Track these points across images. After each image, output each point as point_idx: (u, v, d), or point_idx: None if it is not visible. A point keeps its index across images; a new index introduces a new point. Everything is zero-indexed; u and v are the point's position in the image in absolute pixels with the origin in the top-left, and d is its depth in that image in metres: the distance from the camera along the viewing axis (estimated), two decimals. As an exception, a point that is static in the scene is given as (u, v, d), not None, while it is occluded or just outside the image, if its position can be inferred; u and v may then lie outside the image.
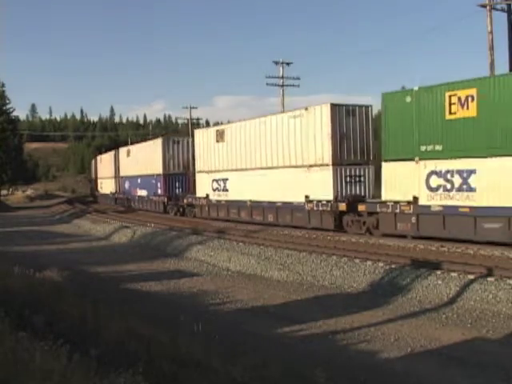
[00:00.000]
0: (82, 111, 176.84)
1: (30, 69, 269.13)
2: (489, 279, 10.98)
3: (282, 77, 37.85)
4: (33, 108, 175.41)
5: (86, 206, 48.17)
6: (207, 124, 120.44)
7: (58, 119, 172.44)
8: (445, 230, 15.94)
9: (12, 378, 4.02)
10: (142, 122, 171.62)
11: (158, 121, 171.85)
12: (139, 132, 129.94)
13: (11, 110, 58.82)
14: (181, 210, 31.85)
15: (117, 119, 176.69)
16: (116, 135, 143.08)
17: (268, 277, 14.60)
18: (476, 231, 15.03)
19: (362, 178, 20.53)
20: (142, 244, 22.52)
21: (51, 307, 7.68)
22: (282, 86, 37.92)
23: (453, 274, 11.59)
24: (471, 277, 11.24)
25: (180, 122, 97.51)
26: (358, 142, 20.52)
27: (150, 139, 44.64)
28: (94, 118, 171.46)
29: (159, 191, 34.50)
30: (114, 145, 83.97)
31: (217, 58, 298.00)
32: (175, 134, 61.48)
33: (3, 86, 57.72)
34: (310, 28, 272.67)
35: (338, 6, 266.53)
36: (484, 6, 23.26)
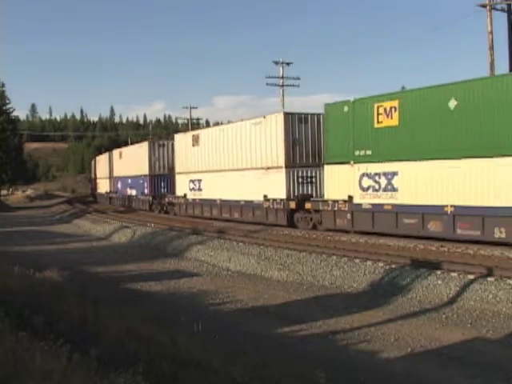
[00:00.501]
0: (82, 111, 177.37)
1: (30, 69, 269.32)
2: (489, 279, 10.98)
3: (282, 77, 37.88)
4: (33, 108, 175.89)
5: (85, 206, 48.17)
6: (207, 124, 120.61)
7: (58, 119, 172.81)
8: (373, 226, 18.22)
9: (12, 378, 4.02)
10: (142, 121, 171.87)
11: (158, 121, 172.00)
12: (139, 132, 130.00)
13: (11, 109, 58.92)
14: (164, 208, 34.12)
15: (117, 119, 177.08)
16: (116, 135, 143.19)
17: (268, 277, 14.60)
18: (397, 226, 17.24)
19: (314, 179, 22.48)
20: (142, 244, 22.52)
21: (51, 307, 7.68)
22: (282, 85, 37.95)
23: (453, 274, 11.59)
24: (471, 277, 11.24)
25: (180, 121, 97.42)
26: (310, 147, 22.65)
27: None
28: (93, 118, 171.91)
29: (146, 191, 37.08)
30: (114, 145, 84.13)
31: (217, 57, 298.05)
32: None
33: (3, 86, 57.80)
34: (310, 28, 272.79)
35: (338, 5, 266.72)
36: (484, 6, 23.27)
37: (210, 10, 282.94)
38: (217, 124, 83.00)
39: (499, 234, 14.61)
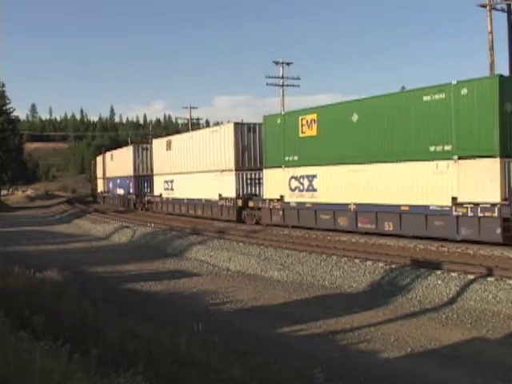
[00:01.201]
0: (82, 111, 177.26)
1: (30, 69, 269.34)
2: (489, 279, 10.97)
3: (282, 77, 37.87)
4: (33, 108, 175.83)
5: (86, 206, 48.21)
6: (207, 124, 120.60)
7: (58, 119, 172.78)
8: (299, 221, 21.45)
9: (12, 378, 4.02)
10: (141, 122, 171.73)
11: (158, 121, 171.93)
12: (139, 132, 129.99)
13: (11, 110, 58.98)
14: (145, 206, 37.75)
15: (117, 119, 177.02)
16: (116, 135, 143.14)
17: (268, 277, 14.60)
18: (316, 221, 20.53)
19: (260, 181, 24.87)
20: (142, 244, 22.53)
21: (51, 307, 7.68)
22: (282, 85, 37.93)
23: (453, 274, 11.59)
24: (471, 277, 11.24)
25: (180, 122, 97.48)
26: (258, 152, 25.52)
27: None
28: (94, 118, 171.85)
29: (131, 190, 40.58)
30: (115, 145, 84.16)
31: (217, 57, 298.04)
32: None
33: (3, 86, 57.89)
34: (311, 28, 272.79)
35: (338, 5, 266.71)
36: (484, 6, 23.27)
37: (210, 9, 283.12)
38: (217, 124, 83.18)
39: (388, 227, 17.64)
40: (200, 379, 5.30)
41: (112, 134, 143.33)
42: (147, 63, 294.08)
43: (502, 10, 23.96)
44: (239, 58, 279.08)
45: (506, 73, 23.68)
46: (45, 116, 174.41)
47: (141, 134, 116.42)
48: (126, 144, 62.27)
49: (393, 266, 12.96)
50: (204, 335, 7.74)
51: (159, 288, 13.61)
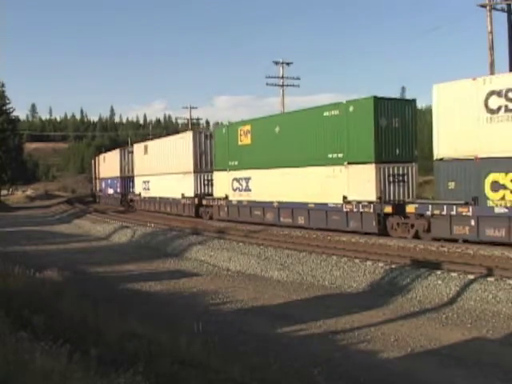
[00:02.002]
0: (82, 111, 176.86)
1: (30, 69, 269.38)
2: (489, 279, 10.98)
3: (282, 77, 37.89)
4: (33, 108, 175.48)
5: (85, 206, 48.25)
6: (207, 124, 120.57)
7: (58, 119, 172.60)
8: (239, 216, 25.62)
9: (12, 378, 4.02)
10: (142, 122, 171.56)
11: (158, 121, 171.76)
12: (139, 132, 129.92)
13: (11, 109, 58.95)
14: (129, 204, 41.72)
15: (117, 119, 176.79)
16: (116, 135, 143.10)
17: (268, 277, 14.60)
18: (251, 216, 24.77)
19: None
20: (142, 244, 22.53)
21: (51, 307, 7.68)
22: (282, 85, 37.95)
23: (453, 274, 11.59)
24: (471, 277, 11.24)
25: (180, 121, 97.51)
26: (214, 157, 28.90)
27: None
28: (94, 118, 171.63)
29: (118, 190, 45.38)
30: (115, 145, 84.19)
31: (217, 57, 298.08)
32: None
33: (3, 85, 57.88)
34: (310, 28, 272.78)
35: (338, 5, 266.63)
36: (484, 6, 23.28)
37: (210, 9, 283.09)
38: (217, 124, 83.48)
39: (301, 221, 21.56)
40: (200, 379, 5.30)
41: (112, 134, 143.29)
42: (147, 63, 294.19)
43: (502, 10, 23.99)
44: (239, 58, 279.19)
45: (506, 72, 23.67)
46: (45, 116, 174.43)
47: (141, 134, 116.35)
48: (125, 144, 62.71)
49: (393, 266, 12.97)
50: (204, 335, 7.74)
51: (159, 288, 13.60)
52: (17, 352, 4.52)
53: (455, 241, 15.94)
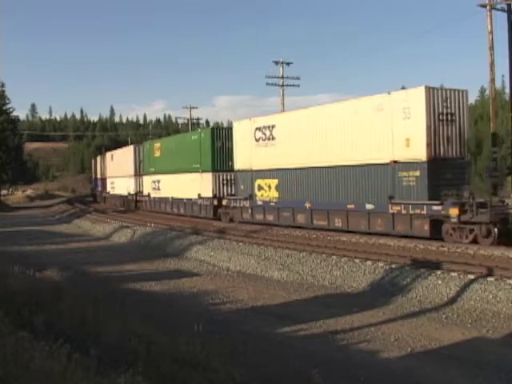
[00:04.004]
0: (82, 111, 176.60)
1: (30, 69, 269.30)
2: (489, 279, 10.97)
3: (282, 77, 37.86)
4: (33, 108, 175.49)
5: (85, 206, 48.27)
6: (207, 124, 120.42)
7: (58, 119, 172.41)
8: (160, 208, 35.02)
9: (12, 378, 4.02)
10: (141, 121, 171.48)
11: (158, 121, 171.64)
12: (139, 132, 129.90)
13: (11, 109, 58.90)
14: (104, 199, 52.67)
15: (117, 119, 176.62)
16: (116, 135, 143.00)
17: (268, 277, 14.60)
18: (166, 208, 33.82)
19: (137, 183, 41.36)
20: (142, 244, 22.53)
21: (51, 307, 7.67)
22: (282, 85, 37.93)
23: (453, 274, 11.59)
24: (471, 277, 11.24)
25: (180, 121, 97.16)
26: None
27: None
28: (94, 118, 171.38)
29: (99, 188, 56.86)
30: (115, 145, 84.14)
31: (217, 57, 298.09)
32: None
33: (3, 85, 57.82)
34: (310, 28, 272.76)
35: (338, 5, 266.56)
36: (484, 6, 23.26)
37: (210, 9, 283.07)
38: (216, 124, 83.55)
39: (184, 211, 31.01)
40: (200, 379, 5.30)
41: (112, 134, 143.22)
42: (147, 63, 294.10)
43: (502, 10, 23.95)
44: (239, 58, 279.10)
45: (506, 73, 23.74)
46: (45, 116, 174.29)
47: (141, 134, 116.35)
48: (125, 144, 62.93)
49: (393, 266, 12.96)
50: (204, 335, 7.74)
51: (159, 288, 13.60)
52: (17, 352, 4.52)
53: (246, 222, 24.51)
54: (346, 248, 16.30)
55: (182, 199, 30.85)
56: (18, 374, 4.07)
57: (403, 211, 17.06)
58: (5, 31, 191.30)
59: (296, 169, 21.76)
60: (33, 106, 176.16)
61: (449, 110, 17.30)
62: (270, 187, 23.43)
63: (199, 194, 28.65)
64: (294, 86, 38.39)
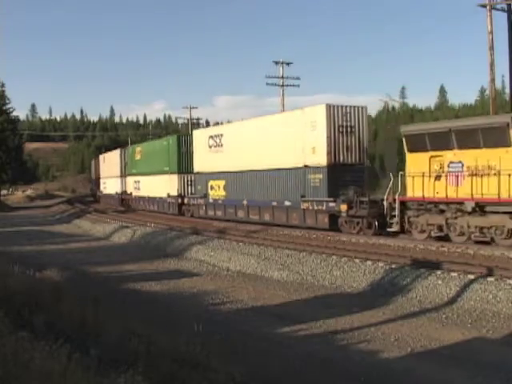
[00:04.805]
0: (82, 111, 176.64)
1: (30, 69, 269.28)
2: (489, 279, 10.97)
3: (282, 77, 37.86)
4: (33, 108, 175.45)
5: (85, 206, 48.29)
6: (207, 124, 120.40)
7: (58, 119, 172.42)
8: (138, 206, 39.60)
9: (12, 378, 4.02)
10: (141, 121, 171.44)
11: (158, 121, 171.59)
12: (139, 132, 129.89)
13: (11, 109, 58.86)
14: (99, 198, 56.31)
15: (117, 119, 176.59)
16: (116, 135, 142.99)
17: (268, 277, 14.60)
18: (144, 205, 38.18)
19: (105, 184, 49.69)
20: (142, 244, 22.53)
21: (51, 307, 7.68)
22: (282, 85, 37.92)
23: (453, 274, 11.59)
24: (471, 277, 11.24)
25: (180, 121, 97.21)
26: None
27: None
28: (94, 118, 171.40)
29: (94, 187, 61.54)
30: (115, 145, 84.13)
31: (217, 57, 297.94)
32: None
33: (3, 85, 57.79)
34: (311, 28, 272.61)
35: (338, 5, 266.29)
36: (484, 6, 23.26)
37: (210, 9, 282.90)
38: (216, 124, 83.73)
39: (153, 208, 35.98)
40: (200, 379, 5.30)
41: (112, 134, 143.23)
42: (147, 63, 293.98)
43: (502, 10, 23.95)
44: (239, 58, 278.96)
45: (506, 73, 23.75)
46: (45, 116, 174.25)
47: (141, 134, 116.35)
48: (125, 144, 63.09)
49: (393, 266, 12.96)
50: (204, 335, 7.75)
51: (159, 288, 13.60)
52: (17, 352, 4.52)
53: (215, 219, 27.37)
54: (346, 248, 16.30)
55: (155, 197, 35.25)
56: (17, 374, 4.07)
57: (310, 207, 20.82)
58: (5, 31, 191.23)
59: (237, 172, 25.81)
60: (33, 106, 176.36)
61: (349, 123, 20.59)
62: (219, 187, 27.73)
63: (168, 193, 33.02)
64: (293, 86, 38.42)
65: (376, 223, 18.52)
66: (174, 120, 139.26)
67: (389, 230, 17.86)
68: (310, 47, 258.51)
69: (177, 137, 33.77)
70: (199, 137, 30.19)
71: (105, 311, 8.10)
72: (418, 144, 17.24)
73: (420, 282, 11.61)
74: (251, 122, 26.40)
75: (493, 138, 15.21)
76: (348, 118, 20.58)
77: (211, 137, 28.52)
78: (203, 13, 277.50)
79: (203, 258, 17.69)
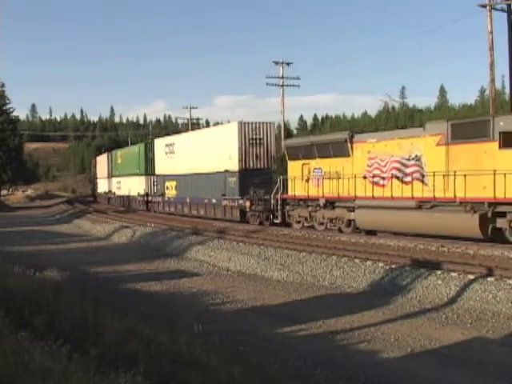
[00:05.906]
0: (82, 111, 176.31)
1: (30, 69, 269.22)
2: (489, 279, 10.98)
3: (282, 77, 37.90)
4: (33, 108, 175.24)
5: (86, 206, 48.31)
6: (207, 124, 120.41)
7: (58, 119, 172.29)
8: (116, 202, 48.00)
9: (12, 378, 4.02)
10: (142, 121, 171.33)
11: (158, 121, 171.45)
12: (139, 132, 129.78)
13: (11, 110, 59.00)
14: (96, 198, 60.71)
15: (117, 119, 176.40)
16: (116, 135, 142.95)
17: (268, 277, 14.60)
18: (123, 204, 44.16)
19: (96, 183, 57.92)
20: (142, 244, 22.54)
21: (51, 307, 7.67)
22: (282, 85, 37.97)
23: (453, 274, 11.59)
24: (471, 277, 11.24)
25: (180, 121, 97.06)
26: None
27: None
28: (94, 118, 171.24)
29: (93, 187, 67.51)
30: (115, 145, 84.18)
31: (217, 58, 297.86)
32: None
33: (3, 85, 57.96)
34: (311, 28, 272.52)
35: (337, 5, 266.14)
36: (484, 6, 23.29)
37: (209, 9, 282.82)
38: (216, 124, 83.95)
39: (122, 206, 44.19)
40: (200, 379, 5.30)
41: (112, 134, 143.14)
42: (147, 63, 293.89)
43: (502, 10, 23.98)
44: (239, 58, 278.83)
45: (506, 73, 23.75)
46: (45, 116, 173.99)
47: (141, 134, 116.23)
48: (125, 144, 63.24)
49: (393, 266, 12.97)
50: (204, 335, 7.75)
51: (159, 288, 13.61)
52: (17, 352, 4.52)
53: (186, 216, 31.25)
54: (346, 248, 16.30)
55: (129, 196, 42.02)
56: (17, 374, 4.07)
57: (228, 204, 26.47)
58: (5, 31, 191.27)
59: (184, 175, 31.50)
60: (33, 106, 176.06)
61: (258, 136, 26.17)
62: (172, 187, 33.71)
63: (138, 193, 39.50)
64: (293, 86, 38.46)
65: (271, 216, 23.55)
66: (174, 120, 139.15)
67: (275, 221, 23.07)
68: (310, 47, 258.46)
69: (144, 144, 40.94)
70: (159, 145, 36.72)
71: (105, 311, 8.09)
72: (295, 154, 22.57)
73: (420, 282, 11.61)
74: (194, 133, 35.06)
75: (338, 149, 20.24)
76: (258, 132, 26.05)
77: (167, 145, 34.83)
78: (203, 13, 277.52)
79: (203, 258, 17.70)
